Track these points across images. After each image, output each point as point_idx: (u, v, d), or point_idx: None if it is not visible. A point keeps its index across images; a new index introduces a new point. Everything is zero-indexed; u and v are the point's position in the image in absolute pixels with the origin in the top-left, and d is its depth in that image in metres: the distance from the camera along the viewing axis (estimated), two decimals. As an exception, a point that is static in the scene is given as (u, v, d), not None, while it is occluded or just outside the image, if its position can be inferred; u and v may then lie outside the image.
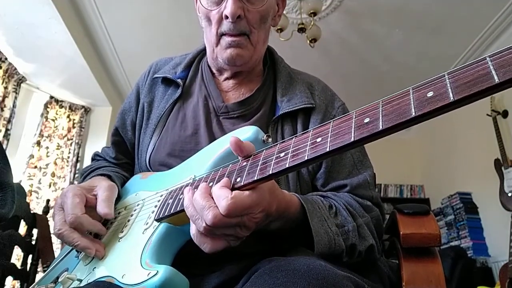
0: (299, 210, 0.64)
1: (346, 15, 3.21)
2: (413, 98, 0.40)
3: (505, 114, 3.34)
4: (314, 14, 2.93)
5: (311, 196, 0.70)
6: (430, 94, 0.38)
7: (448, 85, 0.37)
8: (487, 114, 3.35)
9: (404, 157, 4.98)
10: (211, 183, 0.56)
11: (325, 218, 0.65)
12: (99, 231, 0.69)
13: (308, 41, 3.07)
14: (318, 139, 0.47)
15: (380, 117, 0.41)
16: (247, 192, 0.51)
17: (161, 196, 0.68)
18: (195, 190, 0.55)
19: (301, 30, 3.00)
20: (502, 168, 3.16)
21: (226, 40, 0.80)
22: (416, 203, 0.98)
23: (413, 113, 0.38)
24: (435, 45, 3.54)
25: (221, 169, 0.59)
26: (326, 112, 0.83)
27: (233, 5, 0.75)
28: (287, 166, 0.47)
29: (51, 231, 1.19)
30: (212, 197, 0.52)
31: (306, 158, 0.46)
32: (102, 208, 0.69)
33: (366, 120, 0.42)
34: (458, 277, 3.10)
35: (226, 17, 0.77)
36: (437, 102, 0.37)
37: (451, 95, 0.36)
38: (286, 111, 0.79)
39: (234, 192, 0.51)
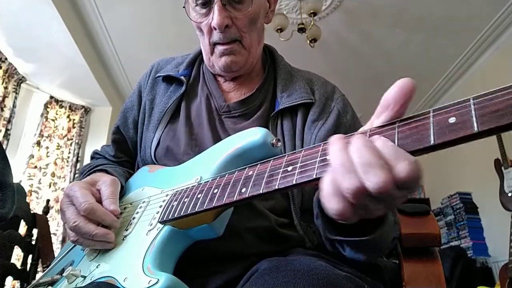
0: None
1: (346, 15, 3.21)
2: (433, 123, 0.36)
3: (505, 114, 3.34)
4: (314, 14, 2.93)
5: None
6: (452, 120, 0.35)
7: (473, 112, 0.33)
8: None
9: (404, 157, 4.97)
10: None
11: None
12: (112, 222, 0.66)
13: (308, 41, 3.07)
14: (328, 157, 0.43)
15: (396, 141, 0.38)
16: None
17: (167, 195, 0.68)
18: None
19: (301, 30, 3.00)
20: (502, 168, 3.15)
21: (219, 49, 0.81)
22: (416, 203, 0.98)
23: (432, 141, 0.35)
24: (435, 45, 3.54)
25: (227, 175, 0.58)
26: (326, 104, 0.82)
27: (219, 16, 0.76)
28: (294, 182, 0.45)
29: (51, 231, 1.19)
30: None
31: (314, 176, 0.43)
32: (109, 204, 0.68)
33: None
34: (458, 277, 3.09)
35: (215, 28, 0.78)
36: (459, 130, 0.33)
37: (475, 124, 0.32)
38: (285, 106, 0.79)
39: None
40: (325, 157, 0.44)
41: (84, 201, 0.65)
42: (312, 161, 0.46)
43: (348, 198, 0.38)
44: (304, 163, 0.46)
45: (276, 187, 0.47)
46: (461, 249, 3.51)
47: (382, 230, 0.50)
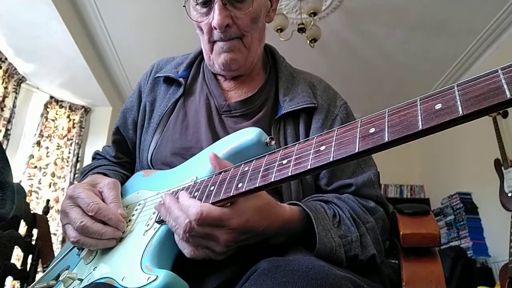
0: (301, 222, 0.64)
1: (346, 15, 3.21)
2: (420, 110, 0.38)
3: (505, 114, 3.34)
4: (314, 14, 2.93)
5: (314, 203, 0.69)
6: (438, 106, 0.37)
7: (457, 97, 0.36)
8: (487, 114, 3.35)
9: (404, 157, 4.98)
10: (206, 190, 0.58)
11: (329, 228, 0.64)
12: (119, 223, 0.66)
13: (308, 41, 3.07)
14: (322, 148, 0.45)
15: (386, 128, 0.40)
16: (218, 207, 0.54)
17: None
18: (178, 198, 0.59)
19: (301, 30, 3.00)
20: (502, 168, 3.15)
21: (219, 45, 0.80)
22: (416, 203, 0.97)
23: (420, 126, 0.37)
24: (435, 45, 3.54)
25: (223, 173, 0.59)
26: (329, 111, 0.82)
27: (220, 15, 0.75)
28: (289, 174, 0.47)
29: (51, 231, 1.19)
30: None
31: (309, 167, 0.45)
32: (116, 208, 0.68)
33: (372, 130, 0.41)
34: (458, 277, 3.09)
35: (215, 28, 0.77)
36: (445, 115, 0.36)
37: (460, 108, 0.35)
38: (288, 110, 0.79)
39: (203, 204, 0.54)
40: (318, 149, 0.46)
41: (92, 202, 0.65)
42: (306, 153, 0.47)
43: (184, 241, 0.56)
44: (299, 155, 0.48)
45: (272, 180, 0.48)
46: (461, 249, 3.51)
47: (319, 253, 0.60)
